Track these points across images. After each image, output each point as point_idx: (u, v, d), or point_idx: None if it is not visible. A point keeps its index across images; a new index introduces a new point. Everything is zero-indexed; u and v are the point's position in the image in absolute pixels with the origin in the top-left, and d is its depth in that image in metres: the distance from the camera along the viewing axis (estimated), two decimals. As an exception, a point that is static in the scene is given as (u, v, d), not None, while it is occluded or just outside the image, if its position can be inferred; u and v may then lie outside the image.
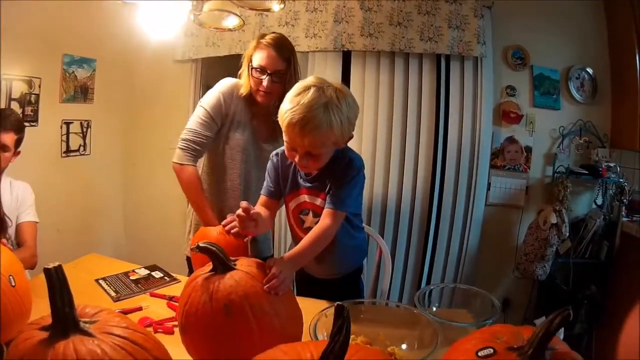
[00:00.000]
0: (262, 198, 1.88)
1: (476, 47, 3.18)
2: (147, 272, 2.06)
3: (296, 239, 1.95)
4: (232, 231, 1.78)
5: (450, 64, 3.29)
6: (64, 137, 3.39)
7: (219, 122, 2.11)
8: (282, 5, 2.02)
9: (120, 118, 3.90)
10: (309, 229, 1.77)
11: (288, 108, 1.55)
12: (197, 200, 2.11)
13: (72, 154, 3.47)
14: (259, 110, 2.15)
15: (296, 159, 1.64)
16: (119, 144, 3.93)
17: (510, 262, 3.45)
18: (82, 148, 3.55)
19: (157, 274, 2.05)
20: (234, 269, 1.27)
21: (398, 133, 3.31)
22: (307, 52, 3.34)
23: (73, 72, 3.35)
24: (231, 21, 2.25)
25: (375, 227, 3.29)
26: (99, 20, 3.21)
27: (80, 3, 3.11)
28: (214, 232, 1.84)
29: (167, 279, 2.01)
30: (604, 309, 3.27)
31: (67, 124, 3.40)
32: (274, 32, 2.12)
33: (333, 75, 3.24)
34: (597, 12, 3.46)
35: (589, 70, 3.46)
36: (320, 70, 3.31)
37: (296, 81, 2.01)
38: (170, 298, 1.79)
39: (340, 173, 1.72)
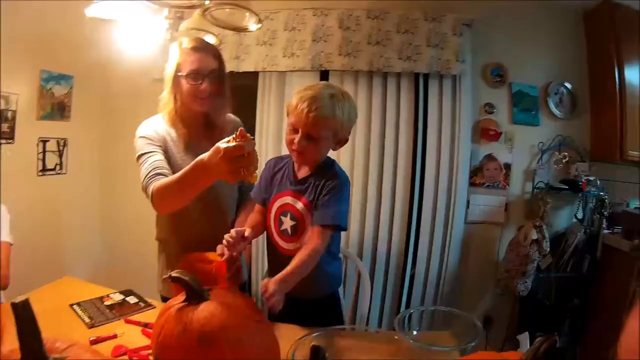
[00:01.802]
0: (257, 206, 2.00)
1: (455, 66, 3.20)
2: (122, 297, 2.02)
3: (270, 244, 1.97)
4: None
5: (428, 82, 3.30)
6: (40, 156, 3.34)
7: (160, 149, 1.91)
8: (259, 25, 2.02)
9: (98, 136, 3.84)
10: (285, 231, 1.86)
11: (297, 93, 1.74)
12: (177, 181, 1.64)
13: (48, 172, 3.41)
14: (190, 124, 2.00)
15: (295, 141, 1.72)
16: (96, 163, 3.88)
17: (491, 279, 3.45)
18: (58, 167, 3.49)
19: (131, 299, 2.00)
20: (208, 299, 1.24)
21: (376, 152, 3.30)
22: (285, 72, 3.33)
23: (50, 88, 3.30)
24: (208, 40, 2.22)
25: (354, 248, 3.27)
26: (78, 36, 3.16)
27: (59, 18, 3.07)
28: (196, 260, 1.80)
29: (142, 304, 1.97)
30: (587, 322, 3.28)
31: (44, 142, 3.35)
32: (192, 38, 2.02)
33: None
34: (576, 27, 3.51)
35: (568, 85, 3.50)
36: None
37: (226, 79, 2.00)
38: (145, 325, 1.75)
39: (328, 183, 1.80)
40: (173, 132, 1.98)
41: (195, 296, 1.23)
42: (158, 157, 1.86)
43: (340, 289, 2.15)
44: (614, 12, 3.30)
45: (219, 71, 1.95)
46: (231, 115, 2.14)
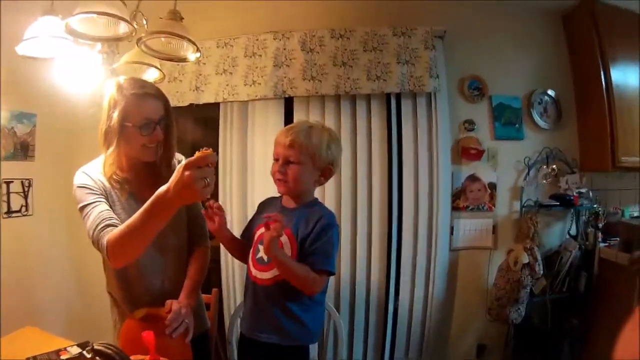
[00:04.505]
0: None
1: (428, 82, 3.02)
2: (79, 350, 1.86)
3: (248, 275, 1.97)
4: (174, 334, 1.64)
5: (401, 102, 3.12)
6: (5, 197, 3.23)
7: (102, 198, 1.75)
8: (197, 54, 1.89)
9: (63, 175, 3.66)
10: (260, 259, 1.87)
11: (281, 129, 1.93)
12: (133, 225, 1.51)
13: (13, 214, 3.30)
14: (136, 174, 1.86)
15: (276, 169, 1.85)
16: (62, 202, 3.71)
17: (482, 306, 3.26)
18: (24, 208, 3.38)
19: (88, 354, 1.83)
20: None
21: (348, 182, 3.12)
22: (247, 101, 3.15)
23: (12, 127, 3.19)
24: (151, 74, 2.16)
25: (329, 288, 3.04)
26: (38, 73, 3.02)
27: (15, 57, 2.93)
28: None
29: (98, 359, 1.84)
30: (587, 342, 3.14)
31: (7, 183, 3.24)
32: (125, 79, 1.80)
33: (275, 126, 3.07)
34: (555, 31, 3.39)
35: (551, 93, 3.37)
36: (261, 121, 3.14)
37: (174, 123, 1.88)
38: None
39: (318, 222, 1.83)
40: (114, 179, 1.81)
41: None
42: (103, 207, 1.70)
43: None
44: (594, 11, 3.18)
45: (167, 116, 1.81)
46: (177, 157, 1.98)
